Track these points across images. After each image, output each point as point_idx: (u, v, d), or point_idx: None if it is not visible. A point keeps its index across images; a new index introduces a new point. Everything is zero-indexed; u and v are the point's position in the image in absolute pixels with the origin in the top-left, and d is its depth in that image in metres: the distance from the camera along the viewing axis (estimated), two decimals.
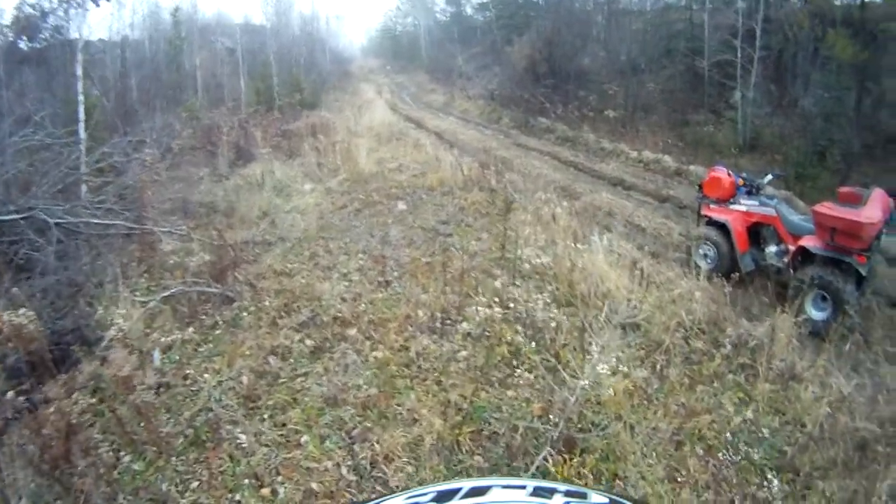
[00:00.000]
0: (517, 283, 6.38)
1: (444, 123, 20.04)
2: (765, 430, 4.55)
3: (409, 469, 3.89)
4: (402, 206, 9.26)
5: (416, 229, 8.18)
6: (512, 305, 5.86)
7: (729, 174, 7.51)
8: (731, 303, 6.44)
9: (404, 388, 4.71)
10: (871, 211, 6.21)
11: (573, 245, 7.17)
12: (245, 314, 6.02)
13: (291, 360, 5.15)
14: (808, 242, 6.48)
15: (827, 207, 6.29)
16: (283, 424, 4.35)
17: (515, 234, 7.33)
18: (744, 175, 7.66)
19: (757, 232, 7.40)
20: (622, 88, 18.11)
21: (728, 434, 4.47)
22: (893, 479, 4.03)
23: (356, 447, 4.06)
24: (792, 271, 6.75)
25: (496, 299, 5.97)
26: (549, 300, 6.11)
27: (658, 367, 5.15)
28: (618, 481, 3.95)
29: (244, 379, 4.85)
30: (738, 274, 6.92)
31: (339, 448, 4.08)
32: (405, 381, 4.80)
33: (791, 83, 14.96)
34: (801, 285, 6.41)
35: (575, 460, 3.92)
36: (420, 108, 25.53)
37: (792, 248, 6.84)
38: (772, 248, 7.23)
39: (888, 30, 12.92)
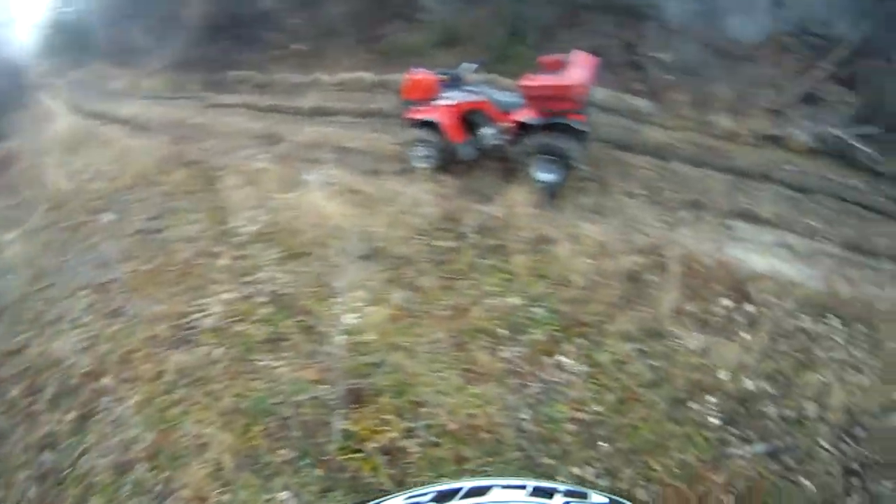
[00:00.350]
0: (244, 252, 5.94)
1: (132, 108, 18.04)
2: (539, 301, 4.71)
3: (226, 498, 3.53)
4: (107, 217, 8.21)
5: (128, 237, 7.28)
6: (247, 279, 5.45)
7: (428, 74, 7.60)
8: (463, 193, 6.60)
9: (179, 416, 4.20)
10: (577, 72, 6.61)
11: (286, 193, 6.87)
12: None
13: (63, 446, 4.35)
14: (524, 116, 6.76)
15: (533, 79, 6.57)
16: None
17: (228, 203, 6.93)
18: (444, 71, 7.77)
19: (469, 121, 7.55)
20: (309, 18, 17.63)
21: (504, 316, 4.54)
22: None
23: None
24: (513, 146, 7.04)
25: (228, 279, 5.54)
26: (279, 259, 5.74)
27: (411, 281, 5.08)
28: (421, 409, 3.81)
29: (32, 492, 4.06)
30: (463, 165, 7.22)
31: None
32: (176, 408, 4.28)
33: None
34: (526, 157, 6.78)
35: (371, 408, 3.77)
36: (104, 99, 22.59)
37: (508, 125, 7.10)
38: (488, 131, 7.41)
39: None
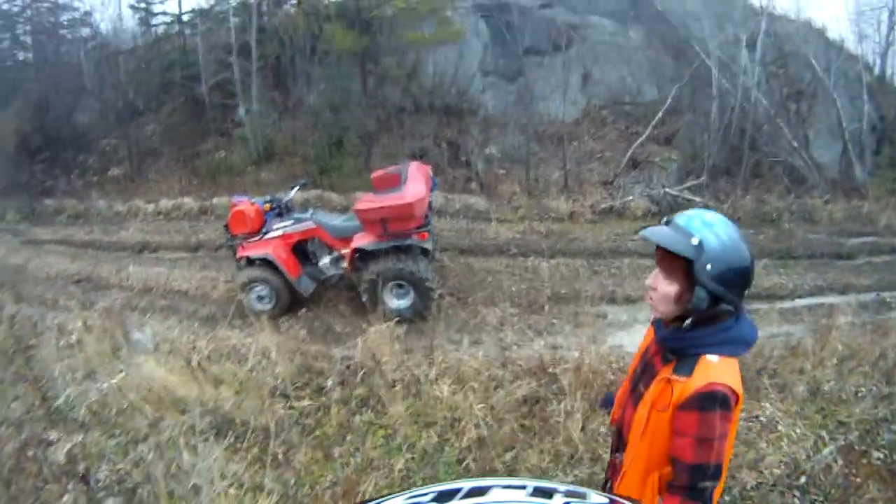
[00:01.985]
0: (79, 440, 5.11)
1: None
2: (432, 457, 4.56)
3: None
4: None
5: None
6: (88, 478, 4.71)
7: (252, 203, 7.31)
8: (314, 337, 6.39)
9: None
10: (415, 186, 6.48)
11: (116, 359, 6.22)
12: None
13: None
14: (362, 241, 6.58)
15: (369, 201, 6.40)
16: None
17: (52, 374, 6.17)
18: (268, 199, 7.55)
19: (303, 250, 7.40)
20: (123, 139, 16.58)
21: (398, 480, 4.33)
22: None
23: None
24: (357, 274, 6.85)
25: (65, 479, 4.75)
26: (118, 447, 5.11)
27: (280, 456, 4.71)
28: None
29: None
30: (305, 306, 6.98)
31: None
32: None
33: (294, 85, 15.76)
34: (373, 285, 6.57)
35: None
36: None
37: (345, 251, 6.95)
38: (325, 260, 7.31)
39: (379, 15, 14.35)
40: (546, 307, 6.47)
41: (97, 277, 10.11)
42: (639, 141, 11.62)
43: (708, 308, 1.93)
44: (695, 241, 1.90)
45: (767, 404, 4.83)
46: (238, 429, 5.06)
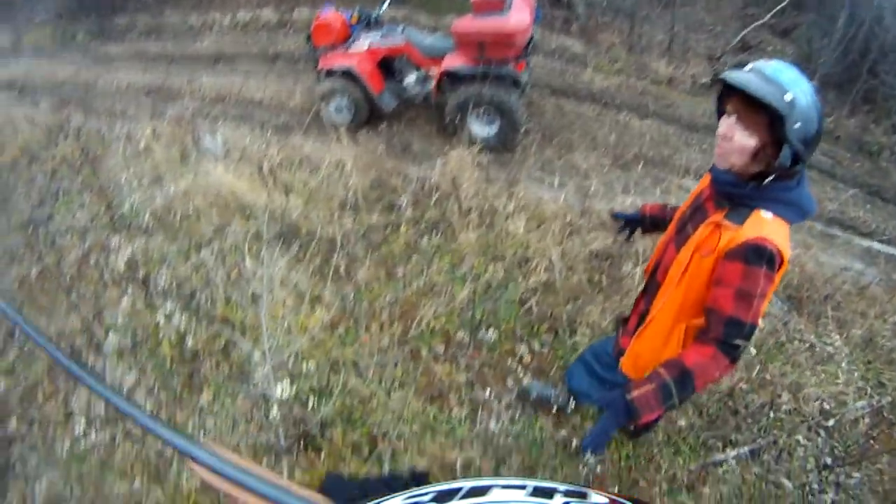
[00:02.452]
0: (142, 244, 5.11)
1: (14, 69, 16.31)
2: (497, 292, 4.29)
3: None
4: None
5: (13, 233, 6.23)
6: (149, 280, 4.71)
7: (338, 14, 6.81)
8: (391, 154, 6.02)
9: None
10: (519, 14, 5.91)
11: (185, 165, 6.06)
12: None
13: None
14: (454, 63, 6.14)
15: (468, 22, 5.92)
16: None
17: (119, 181, 6.06)
18: (356, 10, 7.02)
19: (389, 66, 6.95)
20: None
21: (458, 310, 4.12)
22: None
23: None
24: (443, 97, 6.39)
25: (127, 281, 4.80)
26: (182, 252, 5.03)
27: (342, 269, 4.52)
28: (382, 444, 3.37)
29: None
30: (386, 121, 6.60)
31: None
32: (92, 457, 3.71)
33: None
34: (459, 109, 6.16)
35: (322, 451, 3.32)
36: None
37: (433, 72, 6.50)
38: (411, 78, 6.84)
39: None
40: (634, 166, 5.93)
41: (168, 88, 9.93)
42: (755, 24, 10.36)
43: (790, 168, 1.87)
44: (788, 98, 1.77)
45: (825, 336, 4.32)
46: (303, 239, 4.86)
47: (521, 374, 3.38)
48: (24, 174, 7.55)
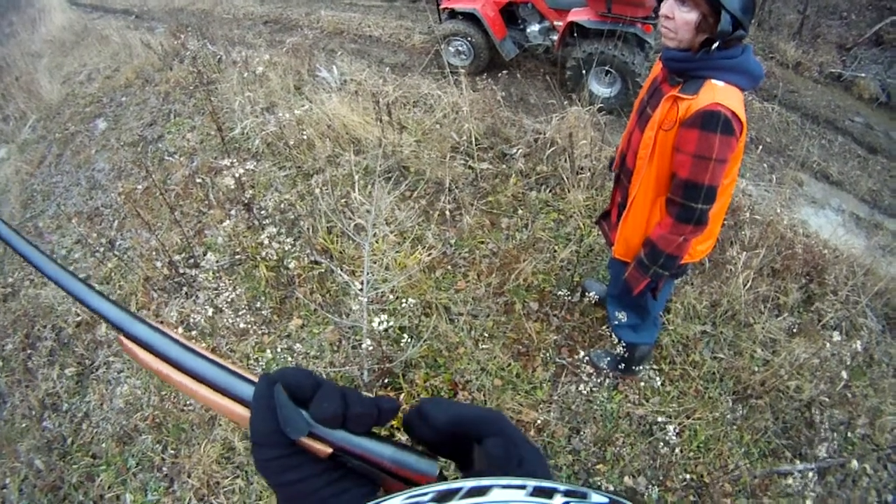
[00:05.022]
0: (249, 168, 5.28)
1: None
2: (596, 251, 4.19)
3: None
4: (101, 124, 7.75)
5: (123, 148, 6.79)
6: (253, 204, 4.86)
7: None
8: (507, 103, 5.89)
9: None
10: None
11: (298, 94, 6.20)
12: None
13: (65, 408, 4.16)
14: (580, 16, 5.92)
15: None
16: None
17: (231, 106, 6.28)
18: None
19: (512, 13, 6.77)
20: None
21: (558, 269, 4.06)
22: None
23: None
24: (564, 50, 6.22)
25: (231, 203, 5.02)
26: (288, 179, 5.18)
27: (448, 213, 4.52)
28: (462, 393, 3.41)
29: (38, 463, 3.86)
30: (505, 69, 6.46)
31: None
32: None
33: None
34: (579, 65, 5.96)
35: (402, 390, 3.39)
36: None
37: (558, 23, 6.30)
38: (534, 28, 6.63)
39: None
40: (750, 150, 5.65)
41: (286, 19, 10.09)
42: (891, 19, 9.52)
43: (731, 33, 2.04)
44: None
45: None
46: (412, 178, 4.90)
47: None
48: (138, 95, 7.92)
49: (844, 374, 3.44)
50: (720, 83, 2.10)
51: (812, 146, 6.03)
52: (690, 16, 2.09)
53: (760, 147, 5.48)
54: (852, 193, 5.46)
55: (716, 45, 2.08)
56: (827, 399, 3.49)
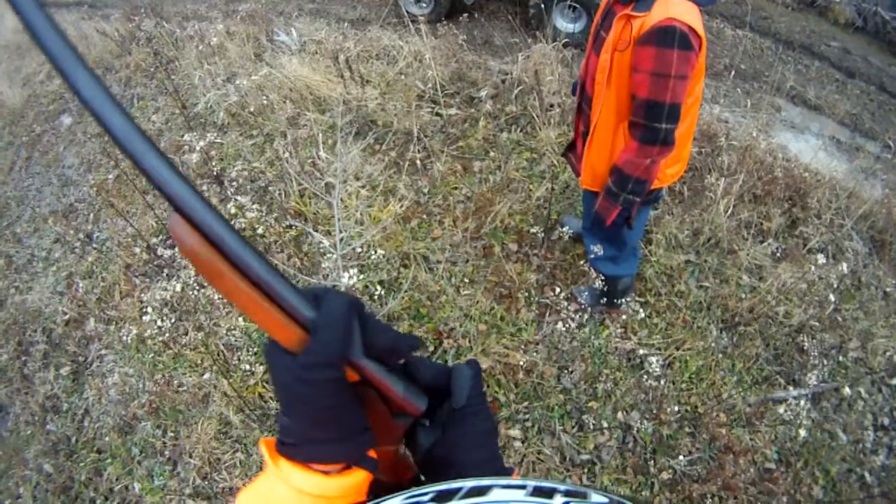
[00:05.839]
0: (215, 140, 5.25)
1: None
2: (571, 188, 4.17)
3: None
4: (66, 120, 7.66)
5: (90, 141, 6.76)
6: (222, 177, 4.81)
7: None
8: (472, 47, 5.82)
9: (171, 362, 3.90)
10: None
11: (258, 61, 6.11)
12: None
13: (66, 408, 4.15)
14: None
15: None
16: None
17: (192, 82, 6.19)
18: None
19: None
20: None
21: (534, 208, 4.04)
22: None
23: None
24: None
25: (201, 177, 4.93)
26: (255, 146, 5.12)
27: (418, 162, 4.49)
28: (447, 341, 3.41)
29: (47, 467, 3.87)
30: (466, 13, 6.35)
31: None
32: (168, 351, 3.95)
33: None
34: (542, 1, 5.81)
35: None
36: None
37: None
38: None
39: None
40: (725, 76, 5.59)
41: None
42: None
43: None
44: None
45: None
46: (379, 131, 4.84)
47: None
48: None
49: (832, 298, 3.46)
50: None
51: (788, 71, 5.99)
52: None
53: (733, 72, 5.44)
54: (831, 117, 5.44)
55: None
56: (817, 323, 3.52)
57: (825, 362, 3.38)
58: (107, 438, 3.75)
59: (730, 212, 3.89)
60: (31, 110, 8.77)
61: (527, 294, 3.59)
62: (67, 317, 4.61)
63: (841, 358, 3.46)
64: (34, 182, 6.88)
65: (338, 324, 0.58)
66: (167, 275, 4.31)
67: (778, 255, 3.79)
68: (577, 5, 5.79)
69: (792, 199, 4.12)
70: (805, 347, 3.42)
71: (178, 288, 3.99)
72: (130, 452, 3.61)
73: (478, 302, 3.54)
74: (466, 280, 3.68)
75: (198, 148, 4.45)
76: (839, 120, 5.42)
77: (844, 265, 3.51)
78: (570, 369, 3.30)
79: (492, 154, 4.53)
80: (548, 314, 3.51)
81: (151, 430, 3.60)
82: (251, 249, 0.55)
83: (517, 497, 0.53)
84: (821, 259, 3.51)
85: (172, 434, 3.54)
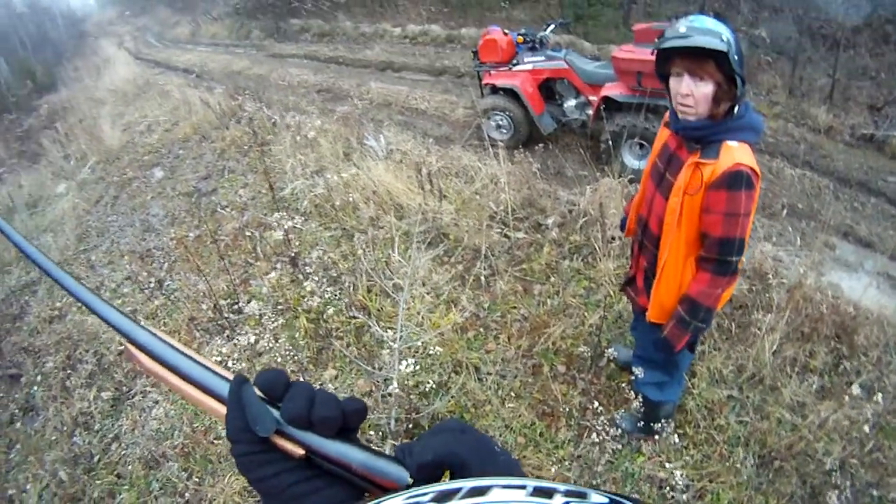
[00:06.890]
0: (295, 225, 5.59)
1: (192, 56, 18.26)
2: (624, 318, 4.31)
3: None
4: (158, 173, 8.34)
5: (177, 197, 7.29)
6: (297, 260, 5.14)
7: (505, 33, 7.11)
8: (543, 175, 6.18)
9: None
10: None
11: (346, 160, 6.58)
12: (37, 389, 5.04)
13: (97, 427, 4.40)
14: (612, 91, 6.24)
15: (628, 51, 6.00)
16: None
17: (283, 167, 6.71)
18: (522, 31, 7.25)
19: (550, 88, 7.18)
20: None
21: (586, 333, 4.19)
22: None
23: None
24: (598, 124, 6.45)
25: (277, 256, 5.33)
26: (333, 238, 5.49)
27: (482, 278, 4.74)
28: None
29: (62, 474, 4.06)
30: (542, 143, 6.80)
31: None
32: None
33: None
34: (614, 138, 6.20)
35: None
36: (166, 47, 23.16)
37: (593, 98, 6.64)
38: (570, 103, 7.03)
39: None
40: (780, 216, 5.78)
41: (337, 89, 10.66)
42: None
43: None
44: (725, 37, 2.14)
45: None
46: (450, 244, 5.14)
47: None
48: (195, 150, 8.42)
49: (867, 429, 3.45)
50: (734, 143, 2.25)
51: (843, 209, 6.14)
52: (707, 89, 2.22)
53: (786, 211, 5.61)
54: (884, 253, 5.54)
55: (738, 108, 2.26)
56: (855, 461, 3.51)
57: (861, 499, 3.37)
58: (129, 467, 3.92)
59: (775, 348, 3.98)
60: (126, 155, 9.40)
61: (569, 414, 3.71)
62: (121, 348, 4.83)
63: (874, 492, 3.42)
64: (118, 220, 7.37)
65: (231, 401, 0.63)
66: (227, 336, 4.56)
67: (822, 392, 3.84)
68: (645, 143, 6.15)
69: (838, 335, 4.18)
70: (840, 486, 3.42)
71: (237, 351, 4.24)
72: (150, 486, 3.76)
73: (520, 415, 3.68)
74: (513, 394, 3.83)
75: (283, 229, 4.80)
76: (891, 255, 5.50)
77: (880, 395, 3.52)
78: (600, 489, 3.36)
79: (552, 279, 4.75)
80: (586, 435, 3.62)
81: (177, 471, 3.74)
82: (177, 352, 0.69)
83: (517, 497, 0.53)
84: (855, 390, 3.54)
85: (197, 480, 3.67)
